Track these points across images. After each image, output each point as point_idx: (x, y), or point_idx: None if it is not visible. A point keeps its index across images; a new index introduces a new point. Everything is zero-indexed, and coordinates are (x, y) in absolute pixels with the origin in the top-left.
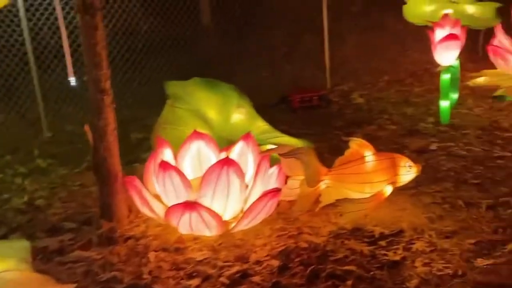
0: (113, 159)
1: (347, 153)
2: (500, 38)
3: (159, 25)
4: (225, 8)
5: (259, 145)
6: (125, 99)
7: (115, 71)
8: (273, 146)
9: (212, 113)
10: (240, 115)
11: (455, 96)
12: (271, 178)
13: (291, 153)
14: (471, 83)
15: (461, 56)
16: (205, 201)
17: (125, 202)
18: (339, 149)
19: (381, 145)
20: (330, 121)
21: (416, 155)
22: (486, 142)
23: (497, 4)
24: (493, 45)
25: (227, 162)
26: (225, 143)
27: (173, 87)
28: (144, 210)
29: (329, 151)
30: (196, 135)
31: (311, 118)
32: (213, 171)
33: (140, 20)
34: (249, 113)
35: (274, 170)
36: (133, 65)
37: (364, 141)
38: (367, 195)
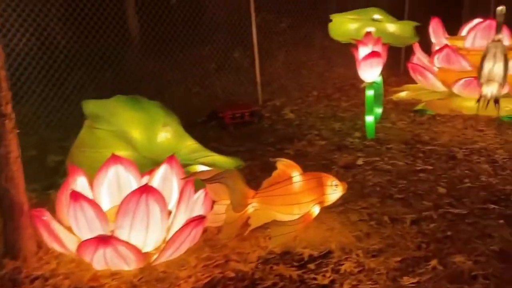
0: (18, 190)
1: (274, 174)
2: (419, 55)
3: (80, 39)
4: (153, 21)
5: (187, 165)
6: (43, 118)
7: (32, 89)
8: (202, 167)
9: (136, 133)
10: (167, 134)
11: (379, 110)
12: (197, 204)
13: (215, 178)
14: (394, 97)
15: (384, 72)
16: (122, 233)
17: (33, 238)
18: (271, 166)
19: (311, 161)
20: (261, 137)
21: (344, 171)
22: (409, 156)
23: (415, 23)
24: (412, 62)
25: (146, 190)
26: (150, 165)
27: (92, 106)
28: (54, 246)
29: (261, 169)
30: (114, 159)
31: (243, 134)
32: (131, 200)
33: (58, 34)
34: (177, 132)
35: (199, 195)
36: (50, 82)
37: (290, 162)
38: (296, 217)
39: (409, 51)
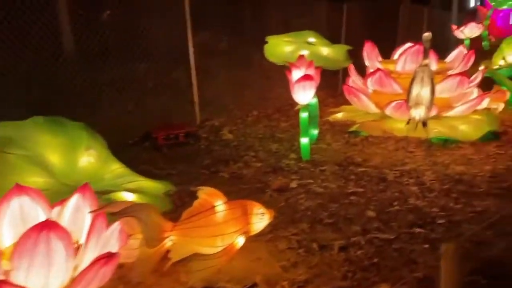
0: None
1: (195, 203)
2: (354, 78)
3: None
4: (89, 37)
5: (111, 192)
6: None
7: None
8: (127, 194)
9: (54, 158)
10: (90, 158)
11: (315, 132)
12: (110, 238)
13: (126, 212)
14: (330, 118)
15: (322, 93)
16: (19, 276)
17: None
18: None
19: (246, 184)
20: (196, 159)
21: (277, 194)
22: (341, 178)
23: (348, 47)
24: (347, 84)
25: (47, 226)
26: (69, 193)
27: (3, 129)
28: None
29: (190, 195)
30: (18, 189)
31: (177, 156)
32: (29, 238)
33: None
34: (101, 155)
35: (114, 228)
36: None
37: (214, 190)
38: (219, 249)
39: (347, 73)
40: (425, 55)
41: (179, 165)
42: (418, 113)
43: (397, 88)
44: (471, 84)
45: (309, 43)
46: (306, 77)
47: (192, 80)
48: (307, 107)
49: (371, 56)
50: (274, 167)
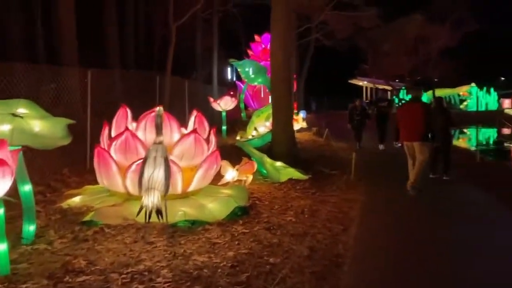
0: None
1: None
2: (104, 154)
3: None
4: None
5: None
6: None
7: None
8: None
9: None
10: None
11: (31, 228)
12: None
13: None
14: (64, 204)
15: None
16: None
17: None
18: None
19: None
20: None
21: None
22: None
23: (69, 121)
24: (96, 160)
25: None
26: None
27: None
28: None
29: None
30: None
31: None
32: None
33: None
34: None
35: None
36: None
37: None
38: None
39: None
40: (158, 132)
41: None
42: (150, 200)
43: (143, 153)
44: (211, 146)
45: (15, 115)
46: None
47: None
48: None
49: (120, 121)
50: None
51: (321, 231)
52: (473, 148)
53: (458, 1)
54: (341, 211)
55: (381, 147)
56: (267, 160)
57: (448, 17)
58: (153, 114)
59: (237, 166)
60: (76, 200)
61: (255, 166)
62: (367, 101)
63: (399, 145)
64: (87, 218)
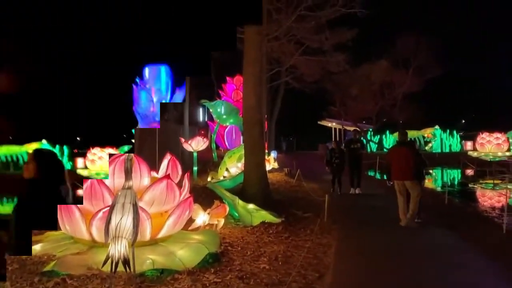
0: None
1: None
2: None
3: None
4: None
5: None
6: None
7: None
8: None
9: None
10: None
11: None
12: None
13: None
14: None
15: None
16: None
17: None
18: None
19: None
20: None
21: None
22: None
23: None
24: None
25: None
26: None
27: None
28: None
29: None
30: None
31: None
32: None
33: None
34: None
35: None
36: None
37: None
38: None
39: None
40: (127, 177)
41: None
42: (117, 249)
43: (109, 200)
44: (184, 191)
45: None
46: None
47: None
48: None
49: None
50: None
51: (295, 279)
52: (439, 189)
53: (420, 48)
54: (316, 257)
55: (356, 191)
56: (239, 202)
57: (412, 64)
58: (122, 158)
59: (208, 210)
60: (37, 248)
61: (227, 209)
62: (334, 141)
63: (391, 183)
64: (47, 268)
